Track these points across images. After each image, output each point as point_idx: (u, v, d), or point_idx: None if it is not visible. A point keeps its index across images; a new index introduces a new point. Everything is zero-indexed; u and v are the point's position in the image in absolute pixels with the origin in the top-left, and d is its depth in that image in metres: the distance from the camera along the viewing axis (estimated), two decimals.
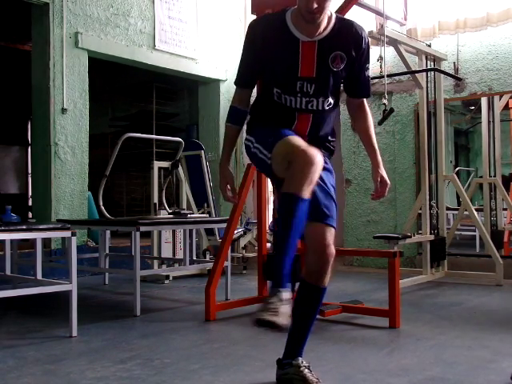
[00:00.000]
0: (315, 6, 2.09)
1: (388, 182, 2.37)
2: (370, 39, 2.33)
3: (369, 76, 2.34)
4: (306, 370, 2.26)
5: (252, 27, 2.30)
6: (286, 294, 1.95)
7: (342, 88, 2.40)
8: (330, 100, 2.28)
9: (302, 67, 2.21)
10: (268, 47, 2.24)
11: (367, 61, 2.30)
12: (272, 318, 1.86)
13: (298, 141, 2.10)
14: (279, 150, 2.09)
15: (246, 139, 2.35)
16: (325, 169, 2.27)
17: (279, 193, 2.14)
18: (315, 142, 2.27)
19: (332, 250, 2.20)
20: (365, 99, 2.40)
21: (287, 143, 2.09)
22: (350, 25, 2.27)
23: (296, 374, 2.26)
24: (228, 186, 2.39)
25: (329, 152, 2.39)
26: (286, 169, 2.03)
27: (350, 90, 2.38)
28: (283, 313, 1.89)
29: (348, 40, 2.23)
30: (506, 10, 5.70)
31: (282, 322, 1.88)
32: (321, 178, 2.22)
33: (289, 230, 1.98)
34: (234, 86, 2.42)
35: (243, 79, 2.38)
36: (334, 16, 2.24)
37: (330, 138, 2.37)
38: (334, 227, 2.24)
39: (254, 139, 2.29)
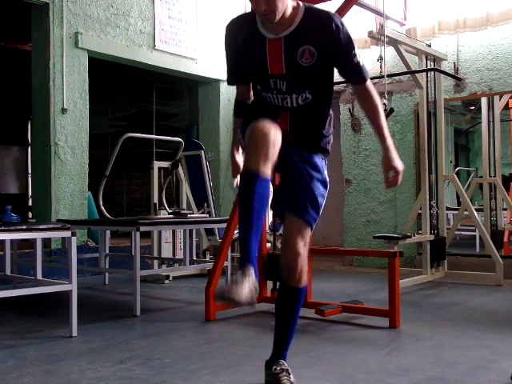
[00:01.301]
0: (264, 7, 2.02)
1: (399, 168, 2.18)
2: (343, 26, 2.13)
3: (359, 62, 2.19)
4: (283, 373, 2.23)
5: (226, 28, 2.30)
6: (250, 270, 1.90)
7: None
8: (307, 95, 2.20)
9: (271, 65, 2.18)
10: (241, 46, 2.25)
11: (350, 47, 2.15)
12: (232, 295, 1.82)
13: (261, 121, 2.07)
14: (246, 135, 2.09)
15: (241, 133, 2.36)
16: (313, 166, 2.25)
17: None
18: (300, 138, 2.25)
19: (296, 249, 2.15)
20: (368, 83, 2.25)
21: (251, 127, 2.08)
22: (318, 15, 2.14)
23: (273, 376, 2.24)
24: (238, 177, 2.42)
25: (320, 150, 2.30)
26: None
27: (345, 78, 2.29)
28: (245, 288, 1.84)
29: (316, 32, 2.12)
30: (507, 10, 5.70)
31: (240, 298, 1.83)
32: (305, 171, 2.21)
33: (249, 209, 1.95)
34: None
35: (230, 77, 2.43)
36: (302, 7, 2.15)
37: (318, 134, 2.28)
38: (308, 222, 2.19)
39: (242, 133, 2.30)
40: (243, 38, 2.23)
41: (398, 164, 2.19)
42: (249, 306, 1.88)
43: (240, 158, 2.43)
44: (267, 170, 1.98)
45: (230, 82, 2.45)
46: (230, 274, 1.95)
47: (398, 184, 2.23)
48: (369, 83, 2.26)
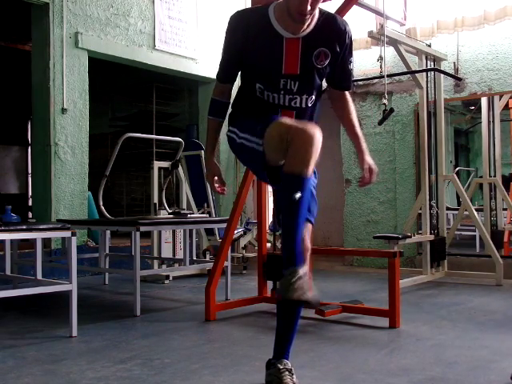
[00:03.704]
0: (309, 8, 2.05)
1: (375, 168, 2.33)
2: (352, 33, 2.27)
3: (351, 69, 2.32)
4: (286, 373, 2.21)
5: (233, 19, 2.23)
6: (305, 269, 1.93)
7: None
8: (313, 97, 2.27)
9: (286, 64, 2.18)
10: (250, 41, 2.19)
11: (350, 54, 2.28)
12: (304, 297, 1.85)
13: (293, 120, 2.07)
14: (274, 132, 2.00)
15: (229, 131, 2.31)
16: None
17: (266, 182, 2.11)
18: None
19: (306, 244, 2.17)
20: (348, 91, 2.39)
21: (282, 124, 2.02)
22: (334, 20, 2.23)
23: (275, 375, 2.22)
24: (216, 178, 2.41)
25: None
26: (285, 150, 1.96)
27: (332, 82, 2.35)
28: (308, 288, 1.88)
29: (332, 35, 2.20)
30: (503, 7, 5.70)
31: (313, 298, 1.87)
32: None
33: (297, 209, 1.95)
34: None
35: (225, 74, 2.34)
36: (316, 11, 2.18)
37: None
38: (311, 222, 2.22)
39: (238, 129, 2.25)
40: (254, 33, 2.18)
41: (373, 164, 2.35)
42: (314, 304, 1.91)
43: (216, 159, 2.44)
44: (312, 170, 1.99)
45: (223, 78, 2.35)
46: (287, 280, 1.93)
47: (372, 183, 2.38)
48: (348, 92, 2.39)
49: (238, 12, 2.27)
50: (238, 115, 2.33)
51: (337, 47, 2.20)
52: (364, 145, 2.36)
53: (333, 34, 2.20)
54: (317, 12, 2.18)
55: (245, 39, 2.20)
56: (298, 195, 1.93)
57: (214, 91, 2.38)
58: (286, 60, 2.17)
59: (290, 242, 1.95)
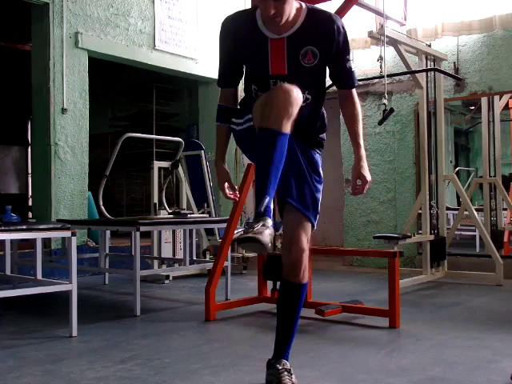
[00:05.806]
0: (272, 12, 2.04)
1: (368, 178, 2.25)
2: (344, 29, 2.20)
3: (351, 67, 2.26)
4: (285, 373, 2.21)
5: (224, 25, 2.28)
6: (269, 221, 1.91)
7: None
8: (307, 96, 2.21)
9: (272, 65, 2.17)
10: (239, 45, 2.22)
11: (346, 51, 2.22)
12: (256, 236, 1.84)
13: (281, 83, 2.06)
14: (258, 101, 2.04)
15: (232, 123, 2.32)
16: (311, 162, 2.26)
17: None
18: (299, 134, 2.22)
19: (301, 245, 2.16)
20: (354, 90, 2.31)
21: (265, 93, 2.05)
22: (322, 17, 2.18)
23: (274, 375, 2.22)
24: (226, 184, 2.39)
25: (317, 146, 2.32)
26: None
27: (334, 81, 2.31)
28: (266, 234, 1.86)
29: (319, 33, 2.15)
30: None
31: (264, 241, 1.84)
32: (306, 168, 2.23)
33: (270, 162, 1.93)
34: None
35: (223, 79, 2.36)
36: (304, 8, 2.17)
37: (314, 132, 2.30)
38: (308, 219, 2.21)
39: (236, 118, 2.27)
40: (242, 36, 2.21)
41: (367, 174, 2.26)
42: (263, 251, 1.90)
43: (226, 165, 2.43)
44: (289, 127, 1.96)
45: (222, 83, 2.37)
46: (246, 225, 1.94)
47: (364, 193, 2.28)
48: (354, 91, 2.32)
49: (227, 18, 2.31)
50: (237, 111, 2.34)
51: (326, 45, 2.16)
52: (361, 153, 2.27)
53: (320, 31, 2.15)
54: (304, 9, 2.16)
55: (234, 43, 2.23)
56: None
57: (219, 97, 2.40)
58: (272, 61, 2.17)
59: (260, 191, 1.94)
